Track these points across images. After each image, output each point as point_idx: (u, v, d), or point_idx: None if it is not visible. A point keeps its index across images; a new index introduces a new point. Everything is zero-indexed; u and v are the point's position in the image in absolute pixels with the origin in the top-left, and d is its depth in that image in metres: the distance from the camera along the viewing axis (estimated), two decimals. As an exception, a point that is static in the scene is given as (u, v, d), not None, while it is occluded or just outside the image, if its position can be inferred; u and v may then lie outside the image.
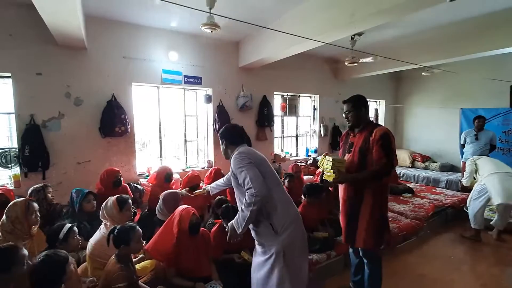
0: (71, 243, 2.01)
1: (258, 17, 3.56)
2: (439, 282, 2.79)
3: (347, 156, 2.24)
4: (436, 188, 5.49)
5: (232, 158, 1.87)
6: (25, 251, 1.60)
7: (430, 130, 7.18)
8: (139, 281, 2.04)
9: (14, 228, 2.11)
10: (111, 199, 2.40)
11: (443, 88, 6.82)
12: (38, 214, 2.24)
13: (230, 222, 1.82)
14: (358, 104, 2.19)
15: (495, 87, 5.71)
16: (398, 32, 4.46)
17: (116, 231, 1.89)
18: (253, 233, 1.93)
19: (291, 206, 1.91)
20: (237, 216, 1.80)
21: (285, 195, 1.91)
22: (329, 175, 2.14)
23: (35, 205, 2.23)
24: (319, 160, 4.64)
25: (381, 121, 7.53)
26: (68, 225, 2.05)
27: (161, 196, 2.63)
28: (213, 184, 2.44)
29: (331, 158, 2.15)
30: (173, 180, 3.60)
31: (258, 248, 1.95)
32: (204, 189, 2.52)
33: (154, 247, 2.17)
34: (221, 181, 2.38)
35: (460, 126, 5.86)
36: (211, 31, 3.11)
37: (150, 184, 3.59)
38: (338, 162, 2.13)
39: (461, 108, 5.97)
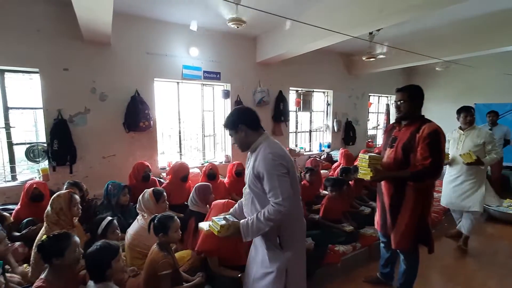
0: (110, 237, 2.09)
1: (281, 12, 3.58)
2: (461, 272, 2.87)
3: (388, 151, 2.10)
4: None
5: (263, 157, 1.51)
6: (77, 238, 1.70)
7: (442, 125, 6.93)
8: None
9: (58, 219, 2.17)
10: (148, 191, 2.47)
11: (455, 83, 6.83)
12: (80, 206, 2.31)
13: (242, 222, 1.56)
14: (413, 95, 2.00)
15: (508, 82, 5.72)
16: (415, 27, 4.46)
17: (156, 219, 1.98)
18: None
19: (302, 217, 1.70)
20: (250, 222, 1.51)
21: (300, 204, 1.70)
22: (364, 173, 2.05)
23: (77, 197, 2.30)
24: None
25: (392, 117, 7.56)
26: (108, 218, 2.13)
27: (194, 188, 2.70)
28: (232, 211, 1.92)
29: (367, 156, 2.06)
30: (189, 181, 3.60)
31: (257, 253, 1.73)
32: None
33: (203, 246, 2.16)
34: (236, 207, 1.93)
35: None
36: (237, 27, 3.16)
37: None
38: (374, 160, 2.03)
39: (475, 103, 6.00)
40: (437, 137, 1.86)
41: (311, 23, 3.16)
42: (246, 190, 1.71)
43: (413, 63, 5.37)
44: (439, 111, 7.20)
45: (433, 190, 2.09)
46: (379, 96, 7.66)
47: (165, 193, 2.53)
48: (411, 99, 1.99)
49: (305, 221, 1.75)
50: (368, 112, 7.30)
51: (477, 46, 4.30)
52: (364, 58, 4.68)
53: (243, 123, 1.59)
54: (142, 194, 2.47)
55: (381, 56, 4.87)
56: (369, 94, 7.16)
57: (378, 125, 7.87)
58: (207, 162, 4.81)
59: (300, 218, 1.67)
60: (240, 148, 1.69)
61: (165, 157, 4.56)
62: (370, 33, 4.40)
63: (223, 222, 1.58)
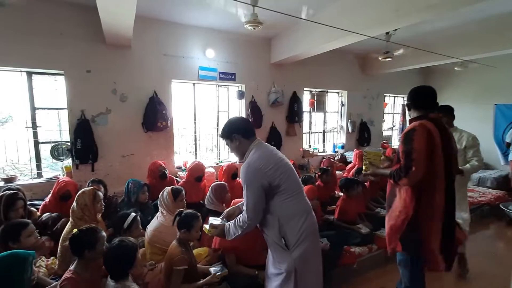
0: (134, 232, 2.17)
1: (296, 13, 3.60)
2: (482, 277, 2.80)
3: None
4: (469, 186, 5.39)
5: (243, 166, 1.63)
6: (104, 233, 1.78)
7: (461, 126, 6.97)
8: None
9: (83, 214, 2.28)
10: (167, 189, 2.54)
11: (474, 83, 6.62)
12: (103, 202, 2.41)
13: (227, 224, 1.74)
14: (413, 100, 1.95)
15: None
16: (433, 25, 4.37)
17: (183, 214, 2.02)
18: (265, 237, 1.77)
19: (310, 216, 1.67)
20: (229, 226, 1.72)
21: (305, 204, 1.69)
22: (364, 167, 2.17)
23: (100, 194, 2.40)
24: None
25: (408, 117, 7.40)
26: (133, 214, 2.21)
27: (211, 187, 2.75)
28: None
29: (366, 150, 2.17)
30: (204, 181, 3.66)
31: (270, 253, 1.80)
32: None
33: (221, 244, 2.24)
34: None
35: (494, 122, 5.70)
36: (254, 28, 3.19)
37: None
38: (370, 155, 2.10)
39: (495, 104, 5.80)
40: (410, 135, 1.73)
41: (327, 23, 3.16)
42: None
43: (431, 63, 5.25)
44: (457, 112, 7.00)
45: (440, 195, 1.76)
46: (395, 97, 7.52)
47: (183, 192, 2.59)
48: (413, 104, 1.94)
49: (316, 219, 1.74)
50: (384, 113, 7.19)
51: (497, 46, 4.18)
52: (380, 58, 4.62)
53: (237, 132, 1.68)
54: (162, 191, 2.55)
55: (399, 53, 4.79)
56: (385, 94, 7.05)
57: (394, 126, 7.73)
58: (222, 161, 4.88)
59: (305, 217, 1.63)
60: (238, 157, 1.78)
61: (181, 156, 4.66)
62: (387, 33, 4.34)
63: (213, 223, 1.79)
